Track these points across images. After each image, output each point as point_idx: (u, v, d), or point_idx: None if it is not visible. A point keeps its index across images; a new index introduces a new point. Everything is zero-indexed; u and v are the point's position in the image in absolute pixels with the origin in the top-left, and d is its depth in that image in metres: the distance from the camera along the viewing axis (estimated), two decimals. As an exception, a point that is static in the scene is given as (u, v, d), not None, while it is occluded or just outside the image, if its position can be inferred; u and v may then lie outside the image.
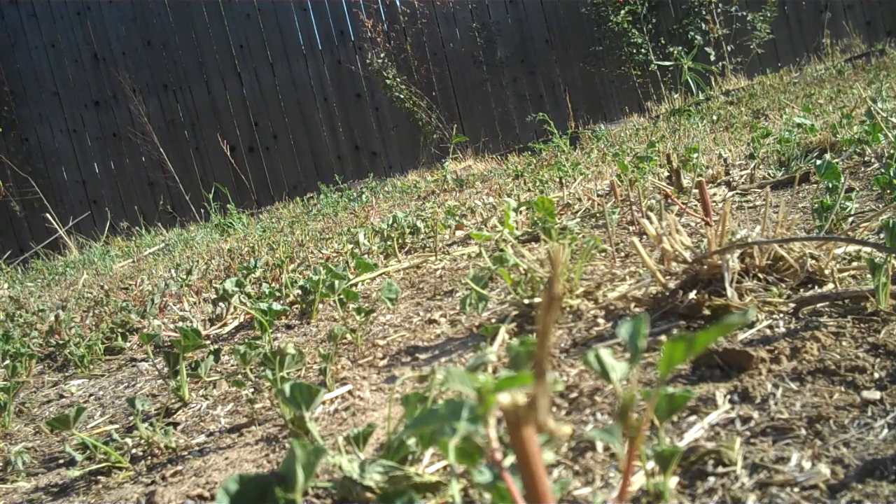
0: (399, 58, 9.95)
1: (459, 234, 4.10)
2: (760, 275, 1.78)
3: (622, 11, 9.46)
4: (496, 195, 5.35)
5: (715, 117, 6.91)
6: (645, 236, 2.46)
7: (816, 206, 2.27)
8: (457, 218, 4.33)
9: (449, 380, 0.69)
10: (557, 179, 5.07)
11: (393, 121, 10.03)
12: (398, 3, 10.05)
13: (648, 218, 1.98)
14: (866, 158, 3.35)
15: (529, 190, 5.15)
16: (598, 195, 4.15)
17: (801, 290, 1.75)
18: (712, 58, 9.41)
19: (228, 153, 9.10)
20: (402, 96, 9.72)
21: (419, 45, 10.07)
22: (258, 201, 9.71)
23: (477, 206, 4.73)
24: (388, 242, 3.91)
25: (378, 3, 10.04)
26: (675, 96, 8.79)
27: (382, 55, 9.89)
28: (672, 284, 1.85)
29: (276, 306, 2.33)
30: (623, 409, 0.82)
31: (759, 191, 3.25)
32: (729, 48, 9.56)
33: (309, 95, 10.18)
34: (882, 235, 2.08)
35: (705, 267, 1.78)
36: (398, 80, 9.79)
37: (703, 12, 9.68)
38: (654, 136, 6.38)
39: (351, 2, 10.04)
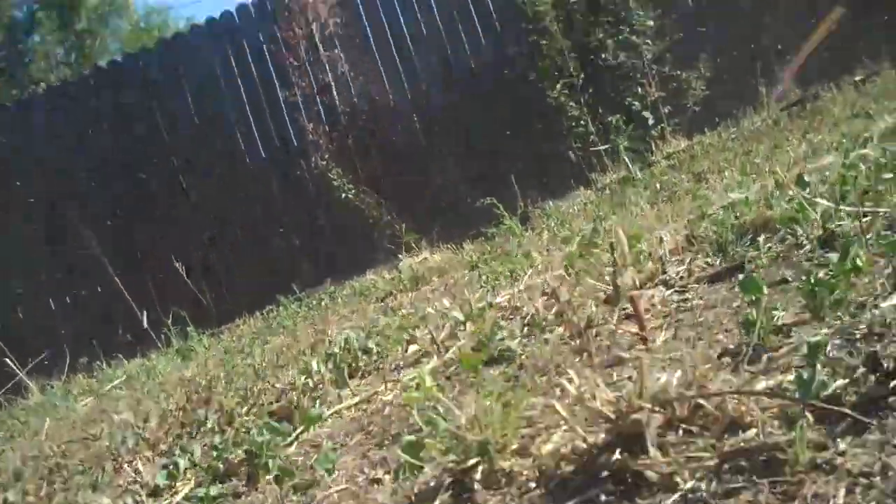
0: (343, 157, 10.00)
1: (413, 348, 4.09)
2: (683, 425, 1.76)
3: (558, 85, 9.59)
4: (451, 296, 5.33)
5: (658, 184, 6.96)
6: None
7: (743, 319, 2.27)
8: (409, 332, 4.32)
9: None
10: (509, 273, 5.08)
11: (344, 220, 10.00)
12: (338, 102, 10.15)
13: (574, 369, 1.97)
14: (799, 240, 3.31)
15: (482, 286, 5.14)
16: (544, 294, 4.14)
17: (726, 436, 1.73)
18: (651, 122, 9.48)
19: (185, 274, 9.04)
20: (349, 196, 9.73)
21: (362, 141, 10.14)
22: (218, 320, 9.59)
23: (430, 314, 4.71)
24: (341, 366, 3.91)
25: (318, 105, 10.14)
26: (619, 165, 8.82)
27: (326, 157, 9.93)
28: (600, 440, 1.82)
29: (213, 491, 2.28)
30: None
31: (697, 286, 3.26)
32: (666, 109, 9.65)
33: (259, 206, 10.21)
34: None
35: (629, 422, 1.76)
36: (344, 179, 9.80)
37: (639, 76, 9.81)
38: (599, 211, 6.41)
39: (291, 106, 10.14)
